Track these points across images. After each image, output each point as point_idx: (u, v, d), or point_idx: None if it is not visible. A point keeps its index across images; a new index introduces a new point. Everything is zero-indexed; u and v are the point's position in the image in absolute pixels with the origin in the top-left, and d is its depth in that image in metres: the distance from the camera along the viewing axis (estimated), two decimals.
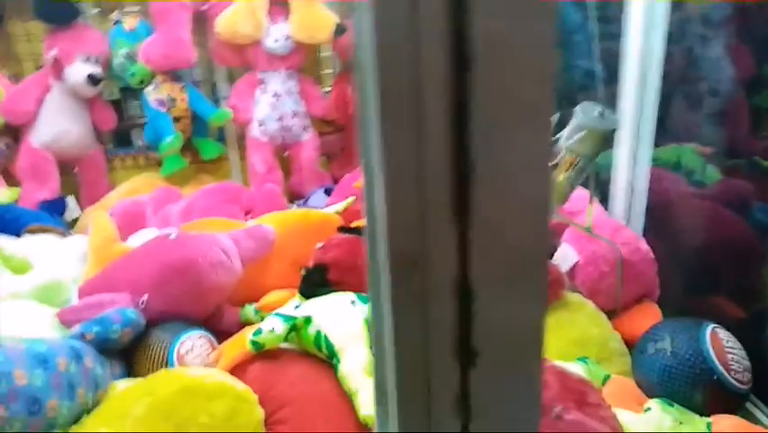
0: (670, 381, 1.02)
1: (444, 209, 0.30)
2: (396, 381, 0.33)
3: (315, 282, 1.27)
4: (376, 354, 0.38)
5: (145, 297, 1.19)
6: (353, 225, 1.42)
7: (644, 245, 1.31)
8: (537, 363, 0.34)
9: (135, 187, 1.95)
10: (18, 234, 1.56)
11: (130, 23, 1.86)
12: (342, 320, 1.11)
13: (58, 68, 1.82)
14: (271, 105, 1.94)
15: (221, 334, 1.24)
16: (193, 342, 1.16)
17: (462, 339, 0.32)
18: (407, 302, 0.32)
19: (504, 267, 0.31)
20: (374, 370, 0.39)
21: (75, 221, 1.93)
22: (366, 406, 0.99)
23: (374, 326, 0.38)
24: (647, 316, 1.24)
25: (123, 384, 1.05)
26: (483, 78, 0.27)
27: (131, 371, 1.14)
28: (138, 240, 1.51)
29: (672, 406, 0.99)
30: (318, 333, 1.10)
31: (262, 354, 1.09)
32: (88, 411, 0.95)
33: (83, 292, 1.27)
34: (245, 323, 1.34)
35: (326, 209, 1.60)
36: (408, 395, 0.33)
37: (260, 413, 0.95)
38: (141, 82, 1.88)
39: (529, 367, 0.34)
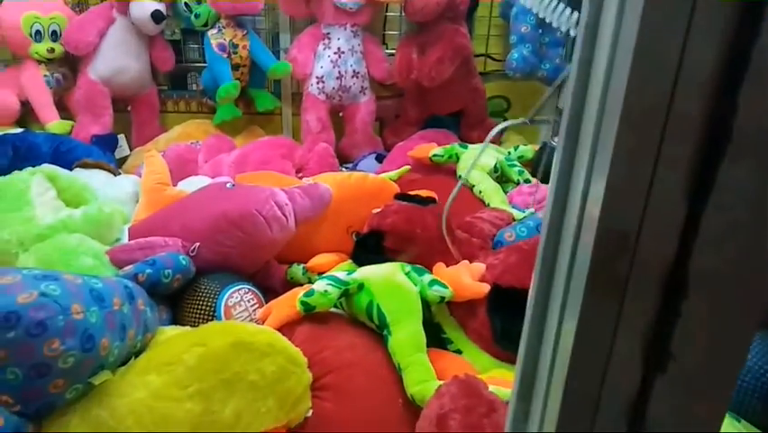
0: (739, 395, 0.96)
1: (678, 187, 0.25)
2: (566, 373, 0.29)
3: (370, 249, 1.23)
4: (529, 341, 0.34)
5: (197, 245, 1.17)
6: (412, 193, 1.37)
7: None
8: (731, 388, 0.29)
9: (187, 131, 1.93)
10: (70, 167, 1.55)
11: None
12: (396, 291, 1.07)
13: (123, 1, 1.78)
14: (332, 62, 1.88)
15: (266, 290, 1.22)
16: (241, 295, 1.14)
17: (657, 339, 0.28)
18: (603, 287, 0.27)
19: (733, 267, 0.26)
20: (523, 359, 0.34)
21: (124, 160, 1.92)
22: (416, 382, 0.96)
23: (534, 310, 0.33)
24: None
25: (170, 330, 1.03)
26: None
27: (176, 317, 1.13)
28: (189, 186, 1.49)
29: (740, 422, 0.94)
30: (371, 301, 1.06)
31: (311, 316, 1.06)
32: (136, 354, 0.93)
33: (134, 233, 1.25)
34: (292, 282, 1.31)
35: (381, 176, 1.55)
36: (575, 390, 0.29)
37: (308, 378, 0.93)
38: (205, 24, 1.84)
39: (723, 390, 0.29)
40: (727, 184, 0.25)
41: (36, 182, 1.26)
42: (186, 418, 0.82)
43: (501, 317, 1.05)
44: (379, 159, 1.87)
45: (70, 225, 1.17)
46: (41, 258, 1.08)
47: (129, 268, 1.05)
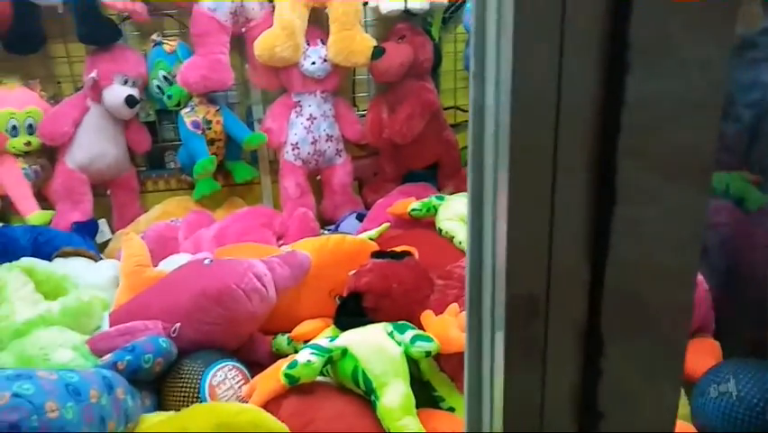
0: (735, 427, 0.94)
1: (577, 245, 0.25)
2: None
3: (351, 311, 1.22)
4: (470, 410, 0.34)
5: (177, 325, 1.16)
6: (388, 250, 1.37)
7: (698, 276, 1.24)
8: None
9: (167, 209, 1.94)
10: (50, 257, 1.55)
11: (170, 45, 1.86)
12: (380, 354, 1.06)
13: (96, 89, 1.82)
14: (306, 129, 1.92)
15: (252, 364, 1.20)
16: (225, 373, 1.12)
17: (585, 398, 0.27)
18: (523, 353, 0.27)
19: (643, 319, 0.26)
20: (467, 416, 0.34)
21: (106, 244, 1.92)
22: None
23: (471, 379, 0.33)
24: (705, 351, 1.16)
25: (153, 417, 1.01)
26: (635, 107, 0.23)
27: (160, 401, 1.10)
28: (170, 265, 1.48)
29: None
30: (356, 367, 1.05)
31: (297, 388, 1.04)
32: None
33: (114, 319, 1.24)
34: (277, 353, 1.30)
35: (360, 235, 1.56)
36: None
37: None
38: (178, 104, 1.88)
39: None
40: (621, 235, 0.26)
41: (13, 278, 1.25)
42: None
43: None
44: (360, 218, 1.88)
45: (48, 319, 1.16)
46: (19, 355, 1.07)
47: (108, 357, 1.04)
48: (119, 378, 0.98)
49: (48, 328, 1.12)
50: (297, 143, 1.92)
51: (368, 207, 1.98)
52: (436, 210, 1.66)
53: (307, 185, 1.96)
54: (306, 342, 1.25)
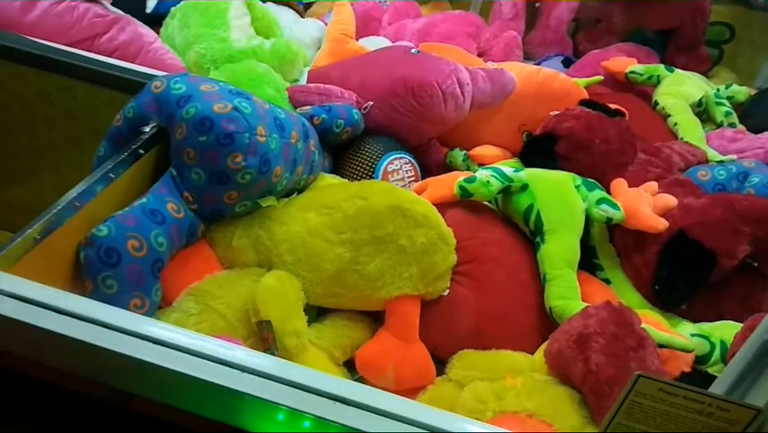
0: None
1: None
2: None
3: (540, 151, 1.15)
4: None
5: (370, 103, 1.16)
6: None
7: None
8: None
9: None
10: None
11: None
12: (562, 201, 1.01)
13: None
14: None
15: (422, 168, 1.20)
16: (401, 164, 1.13)
17: None
18: None
19: None
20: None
21: (309, 5, 1.92)
22: (559, 296, 0.92)
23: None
24: None
25: (330, 178, 1.05)
26: None
27: (336, 168, 1.15)
28: (369, 44, 1.46)
29: None
30: (531, 205, 1.01)
31: (464, 203, 1.03)
32: (299, 191, 0.96)
33: (313, 77, 1.26)
34: (450, 166, 1.28)
35: (571, 80, 1.42)
36: None
37: (453, 259, 0.91)
38: None
39: None
40: None
41: (235, 6, 1.28)
42: (334, 260, 0.84)
43: (672, 267, 0.95)
44: (566, 63, 1.72)
45: (259, 54, 1.20)
46: (230, 78, 1.13)
47: (306, 108, 1.07)
48: (313, 131, 1.01)
49: (257, 63, 1.16)
50: None
51: (576, 55, 1.80)
52: (659, 81, 1.47)
53: (524, 8, 1.79)
54: (480, 164, 1.22)
